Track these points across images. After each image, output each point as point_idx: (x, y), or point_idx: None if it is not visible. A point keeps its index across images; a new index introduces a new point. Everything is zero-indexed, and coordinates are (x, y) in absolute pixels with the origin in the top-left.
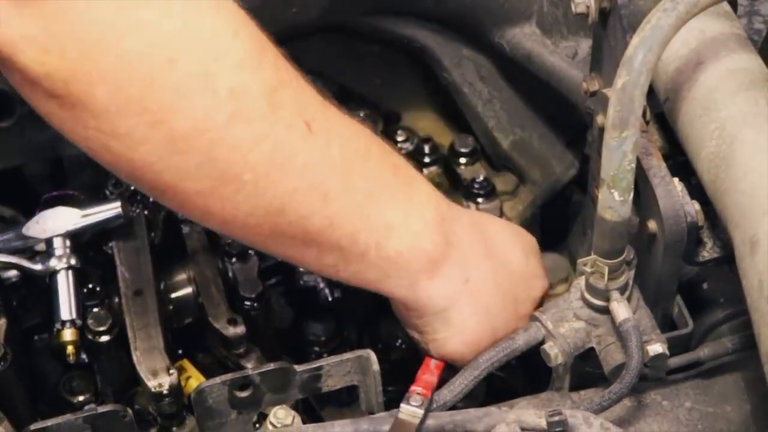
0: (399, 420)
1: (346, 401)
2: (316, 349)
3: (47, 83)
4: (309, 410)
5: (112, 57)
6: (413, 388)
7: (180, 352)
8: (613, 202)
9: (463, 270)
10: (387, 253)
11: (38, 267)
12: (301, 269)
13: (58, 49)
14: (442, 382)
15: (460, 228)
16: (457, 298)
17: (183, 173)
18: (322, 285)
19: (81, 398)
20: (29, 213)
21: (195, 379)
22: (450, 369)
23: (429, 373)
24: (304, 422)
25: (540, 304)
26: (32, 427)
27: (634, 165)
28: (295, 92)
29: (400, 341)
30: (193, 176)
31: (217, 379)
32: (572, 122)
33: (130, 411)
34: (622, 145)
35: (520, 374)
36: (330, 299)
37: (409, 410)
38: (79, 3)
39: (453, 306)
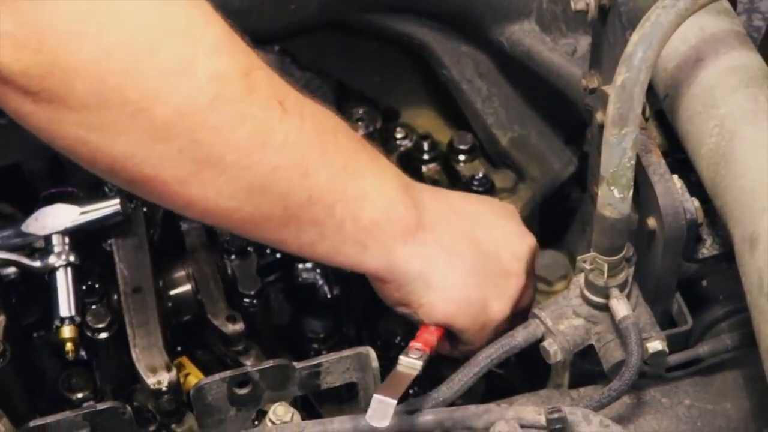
0: (397, 371)
1: (345, 398)
2: (315, 346)
3: (23, 80)
4: (308, 407)
5: (91, 48)
6: (412, 343)
7: (179, 349)
8: (612, 199)
9: (434, 232)
10: (363, 222)
11: (37, 264)
12: (300, 266)
13: (35, 44)
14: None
15: (425, 195)
16: (432, 259)
17: (164, 161)
18: (321, 282)
19: (80, 395)
20: (28, 210)
21: (194, 376)
22: (449, 339)
23: (428, 333)
24: (303, 419)
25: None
26: (31, 424)
27: (633, 162)
28: (266, 74)
29: (399, 338)
30: (174, 163)
31: (216, 376)
32: (571, 119)
33: (129, 408)
34: (621, 142)
35: (519, 371)
36: (329, 296)
37: (408, 362)
38: None
39: (430, 268)
